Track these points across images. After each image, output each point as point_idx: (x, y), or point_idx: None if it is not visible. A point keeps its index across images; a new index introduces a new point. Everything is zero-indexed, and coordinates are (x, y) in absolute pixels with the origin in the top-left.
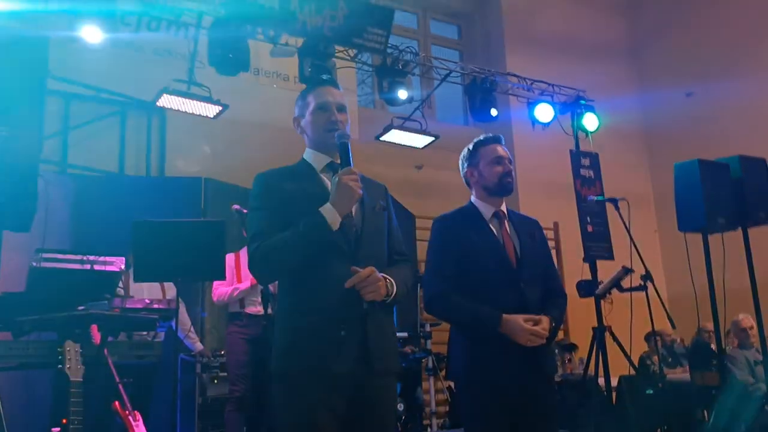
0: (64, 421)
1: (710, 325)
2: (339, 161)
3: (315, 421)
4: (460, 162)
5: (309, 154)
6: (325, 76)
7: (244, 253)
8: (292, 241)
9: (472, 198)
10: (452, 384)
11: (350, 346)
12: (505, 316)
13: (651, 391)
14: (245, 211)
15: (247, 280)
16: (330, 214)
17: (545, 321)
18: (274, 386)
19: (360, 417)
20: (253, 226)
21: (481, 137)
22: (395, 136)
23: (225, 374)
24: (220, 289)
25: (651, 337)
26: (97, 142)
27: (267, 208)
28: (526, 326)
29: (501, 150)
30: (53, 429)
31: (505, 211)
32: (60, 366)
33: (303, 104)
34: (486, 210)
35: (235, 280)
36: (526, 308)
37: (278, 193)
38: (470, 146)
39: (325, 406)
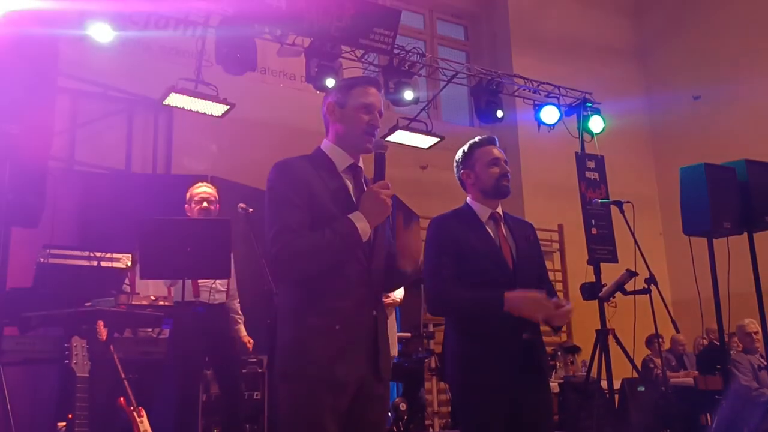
0: (70, 416)
1: (716, 325)
2: (358, 162)
3: (323, 425)
4: (454, 164)
5: (330, 149)
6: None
7: None
8: (324, 247)
9: (468, 200)
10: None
11: (361, 352)
12: (507, 293)
13: (642, 388)
14: (251, 210)
15: None
16: (362, 224)
17: (543, 294)
18: (280, 385)
19: (358, 416)
20: (281, 218)
21: (476, 139)
22: (401, 136)
23: None
24: None
25: (653, 340)
26: (105, 139)
27: (294, 202)
28: (530, 294)
29: (497, 151)
30: (59, 423)
31: (501, 214)
32: (66, 361)
33: (346, 94)
34: (482, 212)
35: None
36: None
37: (305, 186)
38: (465, 148)
39: (332, 409)
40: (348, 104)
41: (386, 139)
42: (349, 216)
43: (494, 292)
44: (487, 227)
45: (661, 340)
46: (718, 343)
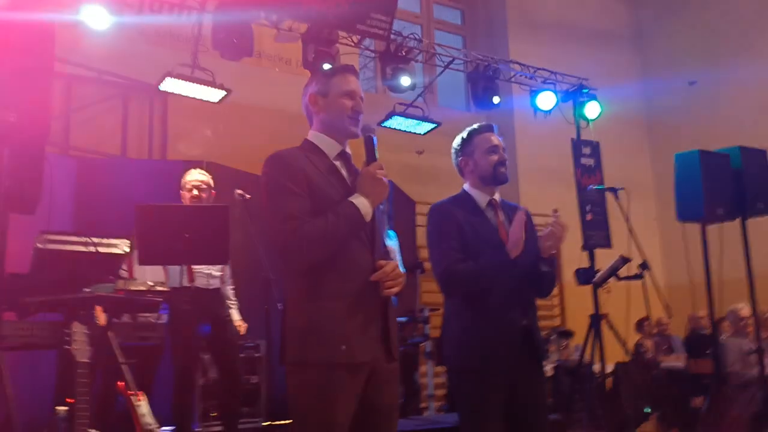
0: (70, 401)
1: (701, 312)
2: (346, 149)
3: (336, 412)
4: (452, 150)
5: (318, 138)
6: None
7: None
8: (330, 231)
9: (466, 186)
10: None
11: (373, 332)
12: (507, 248)
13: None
14: (248, 196)
15: None
16: (363, 206)
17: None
18: (292, 373)
19: (372, 399)
20: (284, 207)
21: (475, 126)
22: (397, 122)
23: None
24: None
25: (643, 324)
26: (100, 124)
27: (295, 191)
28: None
29: (495, 139)
30: (58, 408)
31: (498, 200)
32: (67, 347)
33: (327, 83)
34: (480, 198)
35: None
36: (522, 294)
37: (302, 174)
38: (464, 135)
39: (348, 396)
40: (330, 92)
41: (382, 124)
42: (350, 198)
43: (496, 256)
44: (486, 213)
45: (647, 323)
46: (701, 330)
